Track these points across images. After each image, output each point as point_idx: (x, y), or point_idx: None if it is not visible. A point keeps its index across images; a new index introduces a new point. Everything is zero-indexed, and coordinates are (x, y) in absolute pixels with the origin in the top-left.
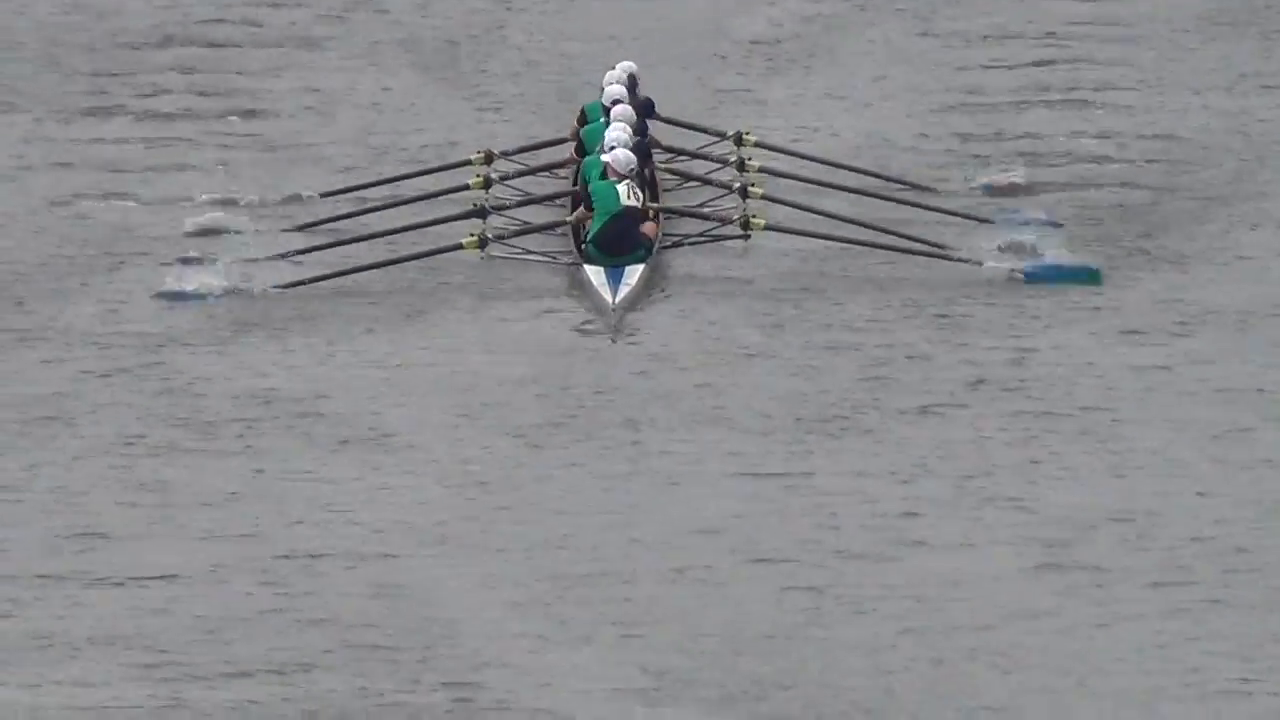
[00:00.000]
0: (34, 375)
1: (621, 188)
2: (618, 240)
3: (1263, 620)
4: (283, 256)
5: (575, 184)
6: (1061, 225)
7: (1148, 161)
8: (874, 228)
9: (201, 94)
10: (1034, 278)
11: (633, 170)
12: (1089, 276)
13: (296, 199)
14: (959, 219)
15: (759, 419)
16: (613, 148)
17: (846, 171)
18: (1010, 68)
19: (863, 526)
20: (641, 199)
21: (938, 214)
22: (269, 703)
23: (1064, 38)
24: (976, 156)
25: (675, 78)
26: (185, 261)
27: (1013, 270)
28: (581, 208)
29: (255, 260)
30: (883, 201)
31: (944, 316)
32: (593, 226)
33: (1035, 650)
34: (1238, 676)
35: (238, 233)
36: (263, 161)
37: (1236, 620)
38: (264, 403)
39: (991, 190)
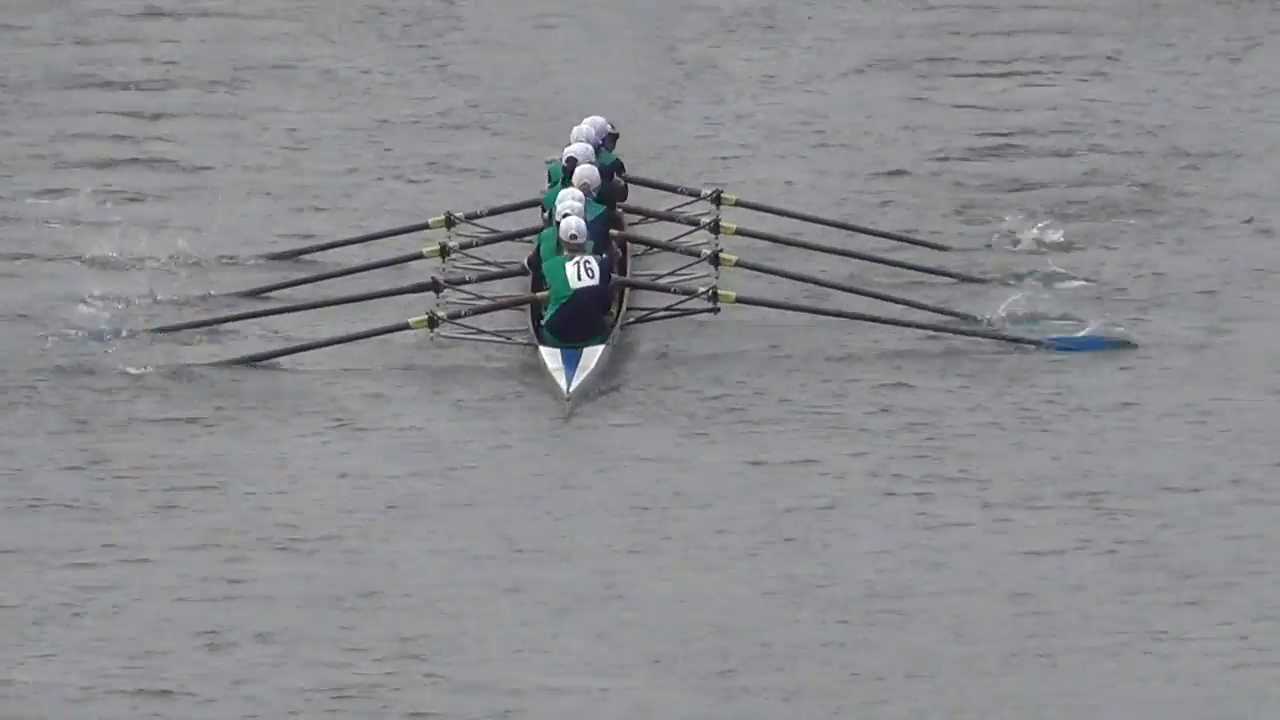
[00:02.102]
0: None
1: (571, 267)
2: (572, 325)
3: None
4: (206, 325)
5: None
6: (1093, 283)
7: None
8: (869, 294)
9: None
10: (1065, 347)
11: (577, 239)
12: (1122, 345)
13: (234, 261)
14: (973, 283)
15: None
16: (564, 216)
17: (840, 230)
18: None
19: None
20: (596, 274)
21: (946, 277)
22: (249, 688)
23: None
24: (995, 206)
25: (653, 119)
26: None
27: (1041, 342)
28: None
29: (184, 328)
30: (881, 266)
31: (956, 388)
32: (548, 310)
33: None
34: None
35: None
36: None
37: None
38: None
39: (1014, 243)
